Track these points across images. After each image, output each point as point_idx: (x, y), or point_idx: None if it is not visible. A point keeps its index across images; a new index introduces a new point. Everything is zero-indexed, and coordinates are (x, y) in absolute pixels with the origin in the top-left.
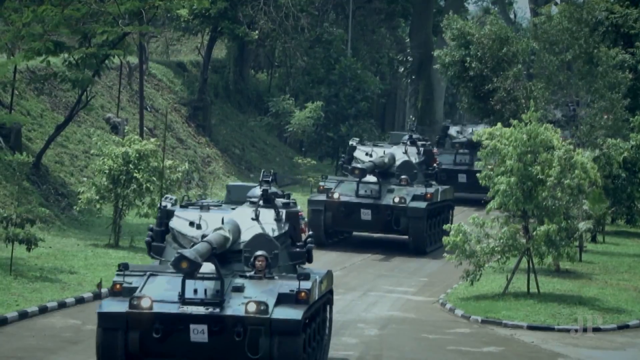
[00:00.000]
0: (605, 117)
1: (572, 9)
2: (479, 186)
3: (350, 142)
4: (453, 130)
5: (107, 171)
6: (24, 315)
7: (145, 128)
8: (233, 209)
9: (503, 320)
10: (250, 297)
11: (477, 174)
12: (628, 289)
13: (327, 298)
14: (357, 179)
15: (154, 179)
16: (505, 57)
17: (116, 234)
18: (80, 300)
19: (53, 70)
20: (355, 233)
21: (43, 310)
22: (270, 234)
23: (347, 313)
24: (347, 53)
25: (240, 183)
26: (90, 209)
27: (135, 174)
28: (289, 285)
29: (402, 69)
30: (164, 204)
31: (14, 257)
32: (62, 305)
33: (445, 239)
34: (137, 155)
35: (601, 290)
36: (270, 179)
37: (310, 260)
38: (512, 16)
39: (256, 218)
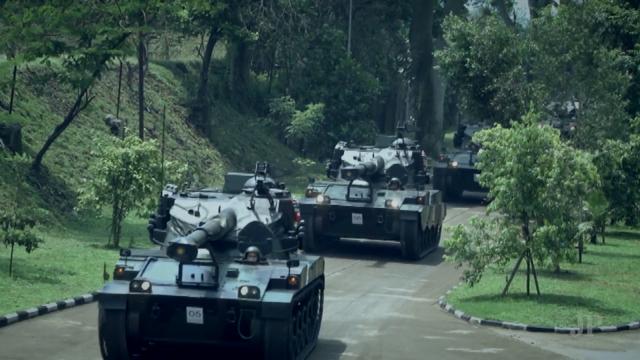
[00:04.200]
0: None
1: (572, 10)
2: (378, 230)
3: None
4: (349, 156)
5: (106, 172)
6: (23, 316)
7: (145, 129)
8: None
9: (503, 322)
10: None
11: (379, 214)
12: (628, 290)
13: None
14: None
15: (154, 179)
16: (505, 58)
17: (116, 235)
18: (79, 301)
19: (53, 71)
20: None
21: (43, 311)
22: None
23: (347, 314)
24: (346, 54)
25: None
26: (90, 209)
27: (135, 175)
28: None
29: (402, 70)
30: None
31: (14, 258)
32: (61, 306)
33: (445, 241)
34: (136, 156)
35: (601, 291)
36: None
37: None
38: (512, 17)
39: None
